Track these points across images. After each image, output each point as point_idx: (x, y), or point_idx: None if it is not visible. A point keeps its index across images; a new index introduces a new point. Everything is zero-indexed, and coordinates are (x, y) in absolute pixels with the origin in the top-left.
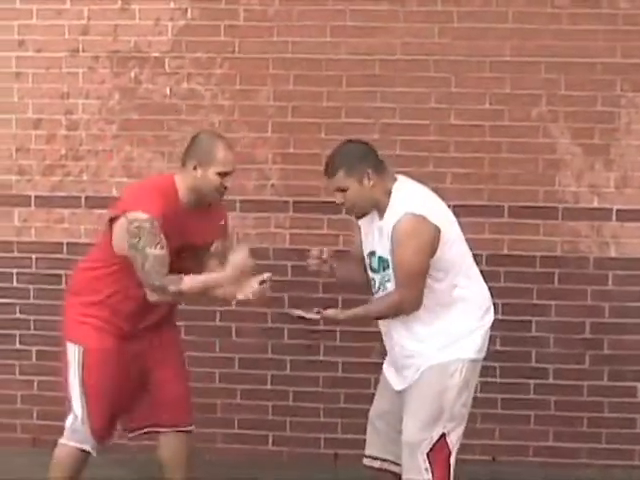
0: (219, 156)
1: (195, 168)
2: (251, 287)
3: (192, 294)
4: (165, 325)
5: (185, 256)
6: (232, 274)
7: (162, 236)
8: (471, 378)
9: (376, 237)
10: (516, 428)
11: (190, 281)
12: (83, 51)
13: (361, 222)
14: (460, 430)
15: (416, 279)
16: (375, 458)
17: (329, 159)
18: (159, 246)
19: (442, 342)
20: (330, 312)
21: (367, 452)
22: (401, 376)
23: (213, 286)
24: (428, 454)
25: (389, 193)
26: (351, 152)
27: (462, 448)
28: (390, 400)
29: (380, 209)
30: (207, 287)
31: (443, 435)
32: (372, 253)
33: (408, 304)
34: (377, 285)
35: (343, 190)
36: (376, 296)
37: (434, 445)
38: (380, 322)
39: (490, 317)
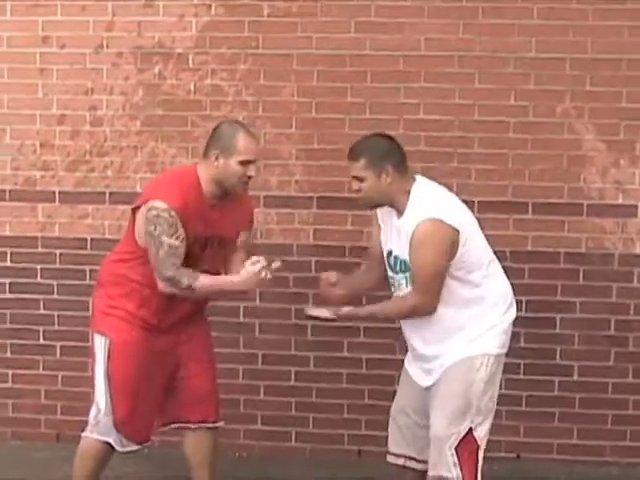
0: (240, 144)
1: (217, 158)
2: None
3: (205, 293)
4: (195, 319)
5: (213, 249)
6: (247, 282)
7: (180, 227)
8: (496, 372)
9: (394, 237)
10: (540, 425)
11: (205, 280)
12: (107, 47)
13: (382, 220)
14: (487, 425)
15: (433, 284)
16: (399, 455)
17: (355, 145)
18: (175, 237)
19: (466, 338)
20: (346, 310)
21: (391, 449)
22: (426, 373)
23: (228, 290)
24: (456, 449)
25: (407, 193)
26: (377, 145)
27: (486, 445)
28: (412, 395)
29: (397, 208)
30: (222, 290)
31: (470, 430)
32: (390, 253)
33: (422, 308)
34: (396, 284)
35: (360, 179)
36: (395, 295)
37: (462, 440)
38: (402, 321)
39: (512, 313)
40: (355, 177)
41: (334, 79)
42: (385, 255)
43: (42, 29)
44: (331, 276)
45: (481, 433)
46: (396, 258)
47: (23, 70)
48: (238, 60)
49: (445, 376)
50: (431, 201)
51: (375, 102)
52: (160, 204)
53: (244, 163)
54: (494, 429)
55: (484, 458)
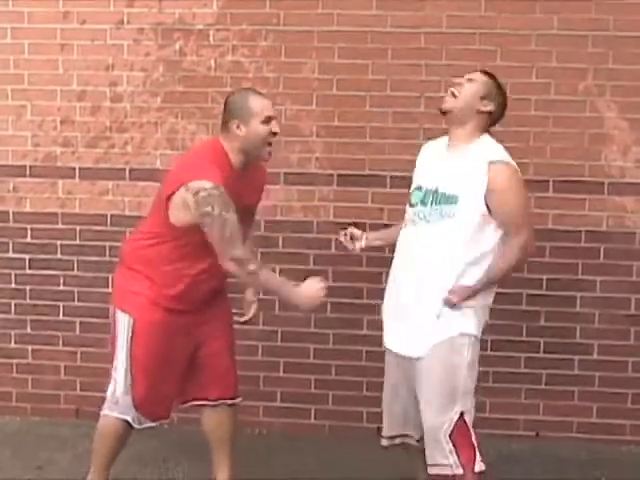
0: (255, 105)
1: (238, 127)
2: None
3: (260, 285)
4: (217, 298)
5: (240, 221)
6: (304, 299)
7: (231, 202)
8: (476, 355)
9: (442, 172)
10: (560, 404)
11: (269, 275)
12: (128, 23)
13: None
14: (472, 408)
15: (529, 217)
16: (393, 437)
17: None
18: (232, 210)
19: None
20: (461, 288)
21: (385, 434)
22: (413, 339)
23: (281, 296)
24: (450, 436)
25: (479, 135)
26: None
27: (506, 423)
28: (398, 377)
29: (464, 137)
30: (276, 292)
31: (462, 414)
32: (427, 190)
33: (531, 244)
34: (422, 215)
35: (470, 80)
36: (405, 229)
37: (454, 426)
38: (399, 280)
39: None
40: (468, 79)
41: (355, 56)
42: (414, 189)
43: (63, 5)
44: (355, 233)
45: (470, 417)
46: (439, 193)
47: (44, 46)
48: (259, 36)
49: (431, 359)
50: (495, 148)
51: (396, 79)
52: (206, 184)
53: (265, 121)
54: (514, 407)
55: (503, 436)
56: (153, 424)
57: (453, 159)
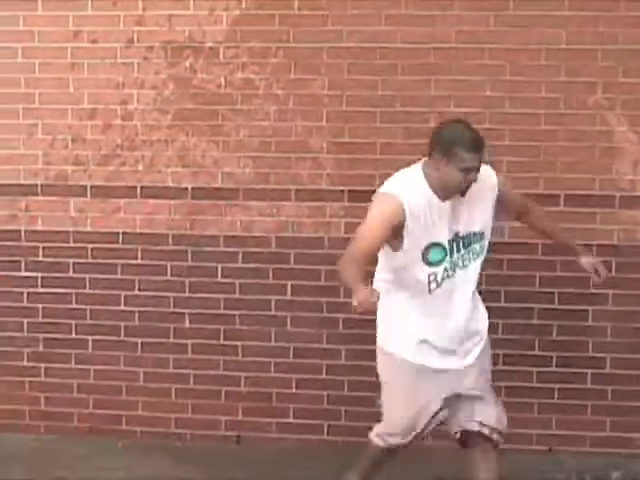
0: None
1: None
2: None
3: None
4: None
5: None
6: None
7: None
8: None
9: (457, 218)
10: (573, 418)
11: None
12: (138, 41)
13: (414, 215)
14: None
15: None
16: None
17: (475, 134)
18: None
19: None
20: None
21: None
22: (465, 353)
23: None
24: None
25: None
26: None
27: (518, 438)
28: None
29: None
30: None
31: None
32: (450, 239)
33: None
34: (460, 263)
35: (479, 168)
36: (437, 291)
37: None
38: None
39: None
40: (478, 167)
41: (364, 72)
42: (429, 246)
43: (73, 24)
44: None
45: None
46: (463, 237)
47: (54, 65)
48: (269, 53)
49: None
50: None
51: (405, 95)
52: None
53: None
54: (526, 421)
55: (515, 450)
56: None
57: (458, 204)
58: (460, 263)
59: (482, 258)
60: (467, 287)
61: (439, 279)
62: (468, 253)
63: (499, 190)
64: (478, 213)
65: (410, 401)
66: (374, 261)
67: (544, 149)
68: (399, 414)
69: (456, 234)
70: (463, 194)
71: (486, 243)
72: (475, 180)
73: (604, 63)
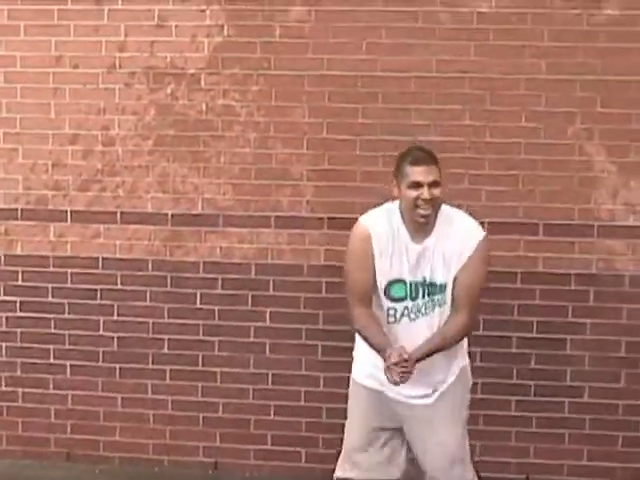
0: None
1: None
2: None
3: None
4: None
5: None
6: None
7: None
8: None
9: (420, 262)
10: (550, 447)
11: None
12: (120, 67)
13: (382, 250)
14: None
15: (479, 298)
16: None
17: (422, 150)
18: None
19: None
20: (414, 356)
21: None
22: (427, 394)
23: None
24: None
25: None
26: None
27: (496, 466)
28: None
29: (424, 228)
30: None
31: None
32: (416, 282)
33: (473, 324)
34: (415, 310)
35: (437, 185)
36: (397, 324)
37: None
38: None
39: None
40: (435, 182)
41: (345, 100)
42: (393, 281)
43: (55, 49)
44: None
45: None
46: (428, 284)
47: (36, 90)
48: (250, 81)
49: (446, 394)
50: (468, 217)
51: (386, 123)
52: None
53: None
54: (504, 450)
55: (492, 478)
56: None
57: (426, 246)
58: (423, 310)
59: (445, 311)
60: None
61: (397, 316)
62: (430, 302)
63: (470, 256)
64: (442, 263)
65: (362, 423)
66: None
67: (523, 178)
68: (350, 436)
69: (423, 278)
70: (426, 220)
71: (448, 297)
72: (430, 199)
73: (583, 93)
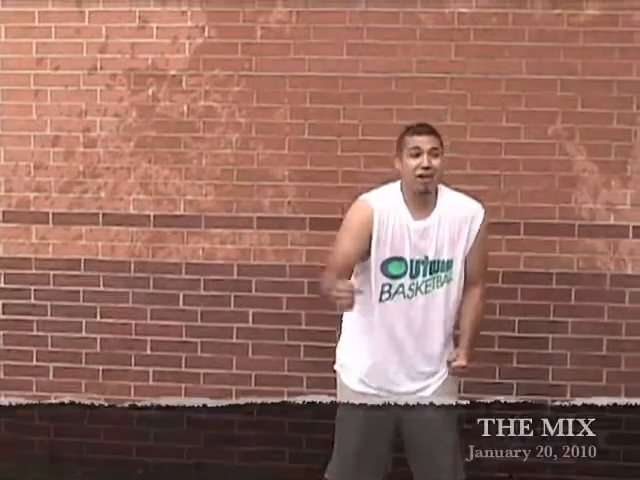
0: None
1: None
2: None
3: None
4: None
5: None
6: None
7: None
8: None
9: (422, 240)
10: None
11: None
12: (101, 69)
13: (379, 229)
14: None
15: None
16: None
17: (424, 124)
18: None
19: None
20: (460, 361)
21: None
22: (422, 383)
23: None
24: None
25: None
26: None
27: (480, 464)
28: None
29: (425, 204)
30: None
31: None
32: (418, 260)
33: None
34: (414, 288)
35: (437, 155)
36: (390, 301)
37: None
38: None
39: None
40: (434, 151)
41: (327, 101)
42: (391, 258)
43: (36, 51)
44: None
45: None
46: (432, 262)
47: (17, 92)
48: (231, 82)
49: (442, 393)
50: (467, 196)
51: (367, 124)
52: None
53: None
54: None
55: (478, 477)
56: None
57: (428, 224)
58: (423, 288)
59: (452, 288)
60: (433, 316)
61: (392, 292)
62: (433, 280)
63: (478, 230)
64: (448, 240)
65: (356, 459)
66: (351, 274)
67: (505, 178)
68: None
69: (426, 257)
70: (425, 189)
71: (454, 273)
72: (429, 167)
73: (563, 93)
